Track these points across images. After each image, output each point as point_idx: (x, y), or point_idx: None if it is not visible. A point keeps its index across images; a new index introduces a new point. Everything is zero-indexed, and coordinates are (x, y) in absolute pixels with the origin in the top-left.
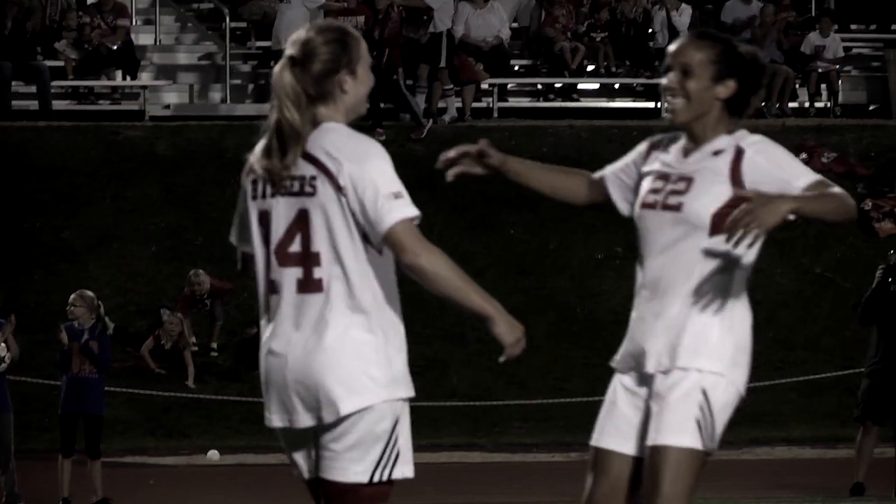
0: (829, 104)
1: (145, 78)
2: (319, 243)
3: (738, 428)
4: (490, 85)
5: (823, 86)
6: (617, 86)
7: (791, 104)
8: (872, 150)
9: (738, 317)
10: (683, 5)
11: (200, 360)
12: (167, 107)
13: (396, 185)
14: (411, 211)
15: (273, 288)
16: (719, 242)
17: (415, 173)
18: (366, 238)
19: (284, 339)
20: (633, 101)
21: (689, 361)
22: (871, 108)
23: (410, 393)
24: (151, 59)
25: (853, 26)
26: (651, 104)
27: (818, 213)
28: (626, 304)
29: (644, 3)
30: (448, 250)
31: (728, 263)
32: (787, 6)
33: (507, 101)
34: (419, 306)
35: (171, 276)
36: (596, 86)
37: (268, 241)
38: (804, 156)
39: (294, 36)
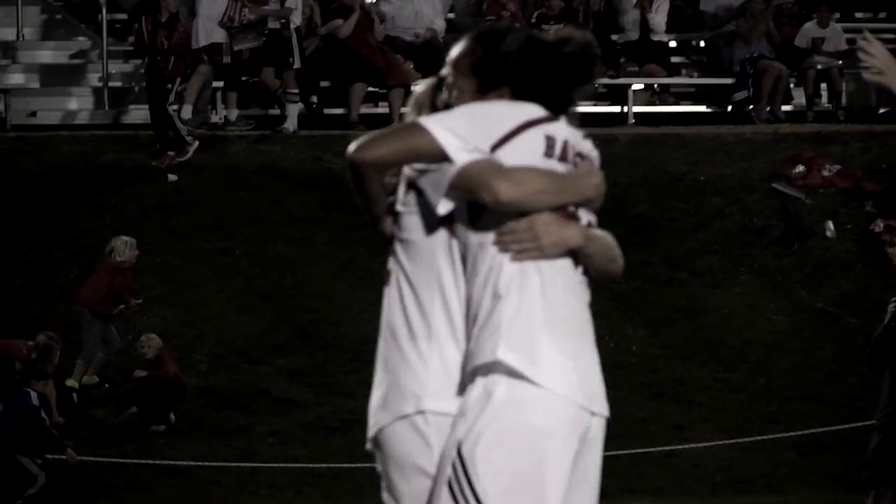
0: (830, 107)
1: (6, 80)
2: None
3: (727, 491)
4: None
5: (823, 85)
6: None
7: (785, 107)
8: (883, 161)
9: None
10: None
11: (77, 416)
12: (33, 114)
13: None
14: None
15: None
16: None
17: (330, 194)
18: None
19: None
20: (594, 104)
21: None
22: (881, 111)
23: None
24: (14, 57)
25: (858, 14)
26: (616, 108)
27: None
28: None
29: None
30: (372, 285)
31: None
32: None
33: None
34: (337, 352)
35: (40, 317)
36: None
37: None
38: (801, 168)
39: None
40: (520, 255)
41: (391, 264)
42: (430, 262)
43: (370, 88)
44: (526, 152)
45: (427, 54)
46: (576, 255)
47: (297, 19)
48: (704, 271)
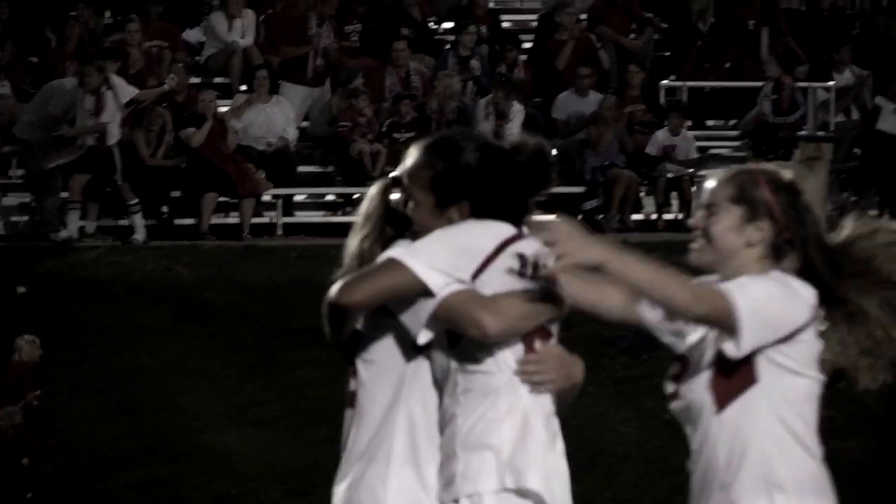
0: (680, 216)
1: None
2: None
3: None
4: (273, 197)
5: (674, 193)
6: None
7: (634, 216)
8: None
9: None
10: (515, 106)
11: None
12: None
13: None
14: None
15: None
16: None
17: (181, 304)
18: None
19: None
20: None
21: None
22: None
23: None
24: None
25: (710, 122)
26: None
27: None
28: None
29: (461, 97)
30: (224, 397)
31: None
32: (634, 98)
33: (293, 215)
34: (187, 465)
35: None
36: None
37: None
38: None
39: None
40: (537, 387)
41: (353, 385)
42: (396, 384)
43: (221, 198)
44: (503, 277)
45: (279, 163)
46: None
47: (114, 134)
48: None
